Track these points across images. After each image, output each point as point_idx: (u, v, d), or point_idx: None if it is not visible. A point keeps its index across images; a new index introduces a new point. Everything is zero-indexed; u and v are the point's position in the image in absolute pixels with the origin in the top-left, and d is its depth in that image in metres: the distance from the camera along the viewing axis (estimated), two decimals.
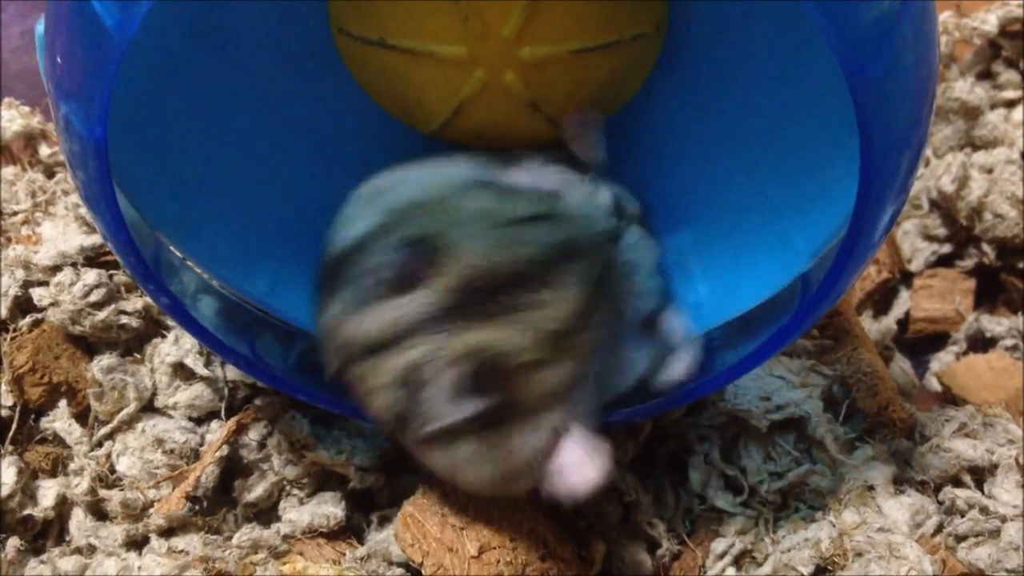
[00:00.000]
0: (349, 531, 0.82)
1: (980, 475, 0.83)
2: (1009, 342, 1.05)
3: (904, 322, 1.10)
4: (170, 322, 0.87)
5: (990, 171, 1.08)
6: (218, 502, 0.83)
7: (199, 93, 0.77)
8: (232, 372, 0.86)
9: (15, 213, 0.96)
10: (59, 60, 0.62)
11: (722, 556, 0.79)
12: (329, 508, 0.81)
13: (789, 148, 0.75)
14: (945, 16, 1.17)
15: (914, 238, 1.12)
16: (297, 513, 0.81)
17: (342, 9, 0.77)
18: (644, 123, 0.83)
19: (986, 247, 1.08)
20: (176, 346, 0.86)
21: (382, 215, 0.70)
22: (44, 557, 0.80)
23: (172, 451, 0.83)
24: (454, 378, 0.63)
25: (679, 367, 0.76)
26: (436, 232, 0.65)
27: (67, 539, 0.82)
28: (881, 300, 1.12)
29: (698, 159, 0.82)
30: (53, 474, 0.83)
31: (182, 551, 0.78)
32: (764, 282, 0.77)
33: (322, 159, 0.84)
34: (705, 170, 0.82)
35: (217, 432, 0.84)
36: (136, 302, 0.87)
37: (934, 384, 1.03)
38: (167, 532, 0.80)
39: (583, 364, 0.66)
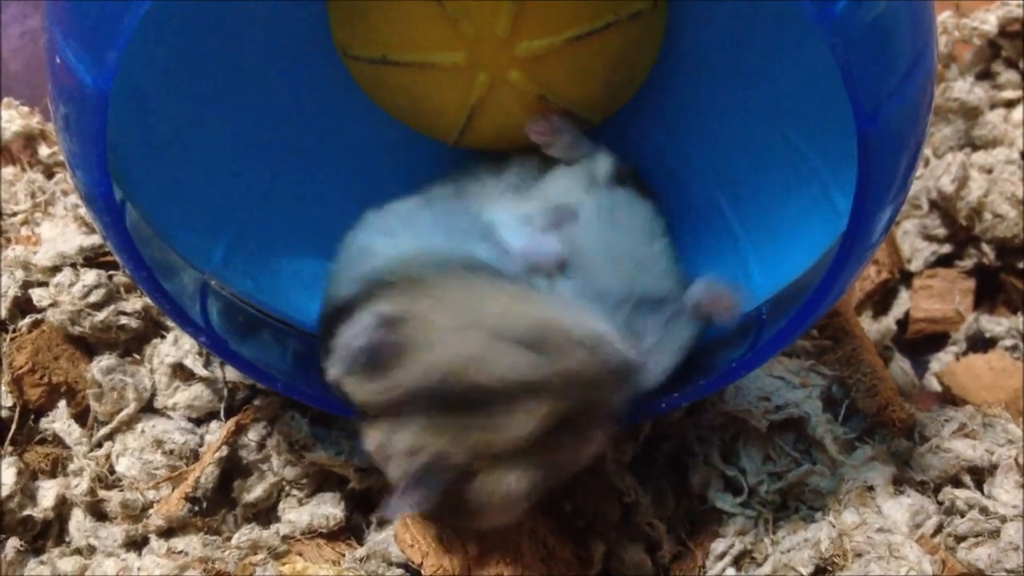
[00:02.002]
0: (348, 532, 0.82)
1: (980, 475, 0.83)
2: (1009, 342, 1.04)
3: (904, 322, 1.10)
4: (170, 323, 0.87)
5: (990, 171, 1.08)
6: (217, 503, 0.83)
7: (221, 126, 0.78)
8: (231, 372, 0.86)
9: (15, 214, 0.96)
10: (57, 60, 0.62)
11: (722, 556, 0.79)
12: (328, 508, 0.81)
13: (818, 106, 0.74)
14: (944, 16, 1.17)
15: (914, 238, 1.12)
16: (296, 514, 0.81)
17: (344, 35, 0.78)
18: (669, 107, 0.83)
19: (986, 247, 1.08)
20: (175, 347, 0.86)
21: (358, 285, 0.70)
22: (44, 558, 0.80)
23: (171, 452, 0.83)
24: (401, 469, 0.63)
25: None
26: (413, 316, 0.64)
27: (67, 540, 0.82)
28: (881, 300, 1.12)
29: (730, 133, 0.82)
30: (53, 475, 0.83)
31: (181, 552, 0.78)
32: (810, 245, 0.75)
33: (357, 178, 0.85)
34: (738, 141, 0.81)
35: (216, 433, 0.84)
36: (135, 303, 0.87)
37: (934, 384, 1.03)
38: (167, 533, 0.80)
39: (547, 471, 0.65)
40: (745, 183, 0.82)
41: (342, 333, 0.64)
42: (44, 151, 1.03)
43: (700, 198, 0.83)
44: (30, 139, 1.03)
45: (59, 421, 0.84)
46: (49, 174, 1.02)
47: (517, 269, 0.72)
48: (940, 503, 0.81)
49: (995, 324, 1.06)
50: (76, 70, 0.59)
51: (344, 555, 0.79)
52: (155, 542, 0.79)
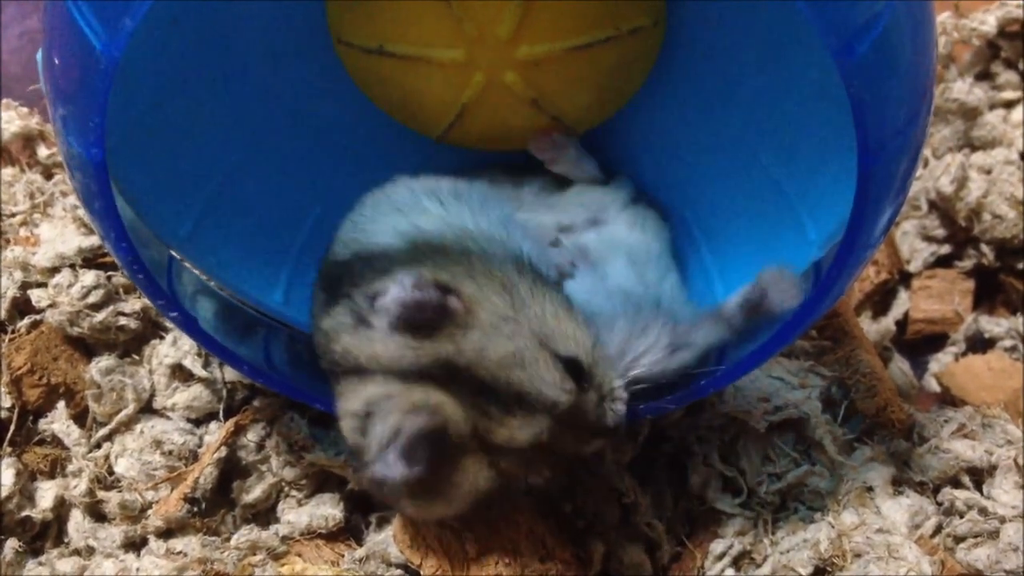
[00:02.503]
0: (348, 532, 0.82)
1: (979, 476, 0.83)
2: (1008, 343, 1.05)
3: (903, 323, 1.10)
4: (168, 323, 0.87)
5: (989, 172, 1.08)
6: (217, 503, 0.82)
7: (203, 99, 0.78)
8: (230, 373, 0.86)
9: (13, 215, 0.96)
10: (56, 61, 0.62)
11: (721, 557, 0.79)
12: (328, 509, 0.81)
13: (796, 133, 0.75)
14: (944, 17, 1.17)
15: (913, 239, 1.12)
16: (296, 514, 0.81)
17: (341, 20, 0.78)
18: (649, 122, 0.83)
19: (985, 248, 1.08)
20: (175, 347, 0.86)
21: (403, 239, 0.69)
22: (43, 558, 0.80)
23: (171, 452, 0.83)
24: (394, 427, 0.62)
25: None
26: (466, 295, 0.64)
27: (66, 540, 0.82)
28: (880, 301, 1.12)
29: (705, 153, 0.82)
30: (51, 475, 0.83)
31: (180, 552, 0.78)
32: None
33: (331, 163, 0.84)
34: (713, 163, 0.82)
35: (215, 433, 0.84)
36: (134, 303, 0.87)
37: (933, 385, 1.03)
38: (165, 533, 0.80)
39: (505, 481, 0.65)
40: (717, 206, 0.82)
41: (393, 286, 0.63)
42: (43, 152, 1.03)
43: (670, 216, 0.84)
44: (29, 140, 1.03)
45: (58, 422, 0.84)
46: (48, 175, 1.02)
47: (552, 273, 0.73)
48: (939, 504, 0.81)
49: (994, 325, 1.06)
50: (86, 36, 0.58)
51: (343, 556, 0.79)
52: (154, 543, 0.79)
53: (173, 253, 0.76)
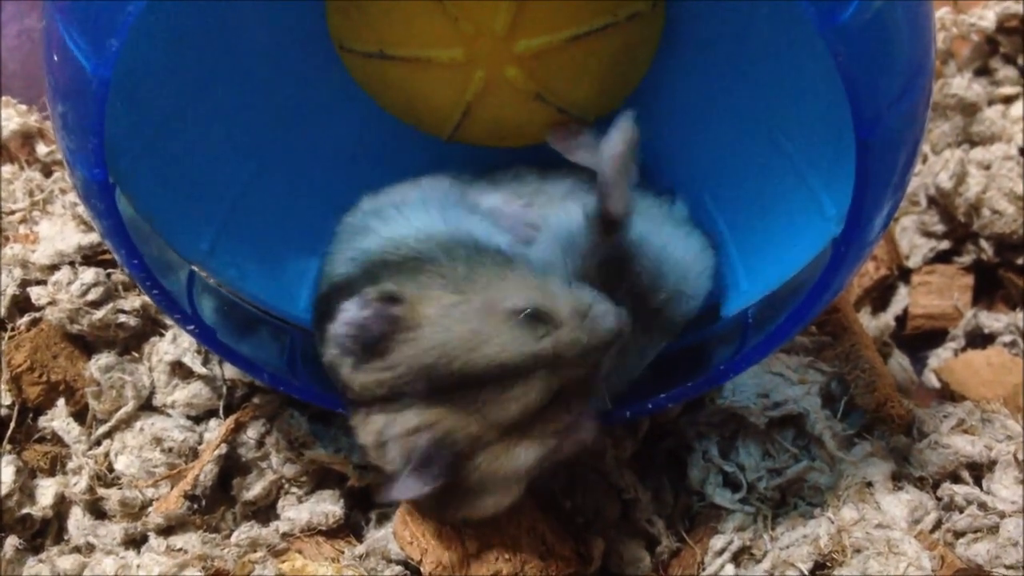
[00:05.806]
0: (348, 529, 0.82)
1: (979, 471, 0.83)
2: (1007, 338, 1.05)
3: (902, 318, 1.10)
4: (168, 321, 0.87)
5: (988, 167, 1.08)
6: (217, 500, 0.83)
7: (214, 114, 0.78)
8: (230, 370, 0.86)
9: (13, 212, 0.96)
10: (55, 56, 0.62)
11: (721, 553, 0.79)
12: (328, 506, 0.81)
13: (808, 108, 0.74)
14: (943, 12, 1.17)
15: (912, 234, 1.12)
16: (296, 511, 0.81)
17: (341, 27, 0.78)
18: (661, 109, 0.82)
19: (984, 243, 1.08)
20: (174, 344, 0.86)
21: (356, 264, 0.70)
22: (43, 556, 0.80)
23: (171, 450, 0.83)
24: (404, 450, 0.63)
25: None
26: (408, 296, 0.64)
27: (66, 538, 0.82)
28: (879, 297, 1.12)
29: (720, 137, 0.82)
30: (51, 473, 0.83)
31: (181, 549, 0.78)
32: (797, 250, 0.75)
33: (347, 170, 0.84)
34: (728, 146, 0.82)
35: (215, 430, 0.84)
36: (134, 300, 0.87)
37: (932, 380, 1.03)
38: (166, 531, 0.80)
39: (545, 445, 0.65)
40: (733, 187, 0.82)
41: (339, 314, 0.64)
42: (42, 149, 1.03)
43: (688, 200, 0.83)
44: (28, 137, 1.03)
45: (58, 419, 0.84)
46: (47, 172, 1.02)
47: (504, 239, 0.72)
48: (939, 499, 0.81)
49: (994, 320, 1.06)
50: (77, 57, 0.58)
51: (343, 552, 0.79)
52: (154, 540, 0.79)
53: (194, 268, 0.76)
